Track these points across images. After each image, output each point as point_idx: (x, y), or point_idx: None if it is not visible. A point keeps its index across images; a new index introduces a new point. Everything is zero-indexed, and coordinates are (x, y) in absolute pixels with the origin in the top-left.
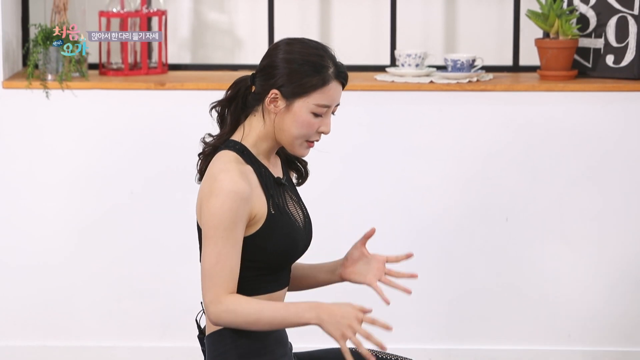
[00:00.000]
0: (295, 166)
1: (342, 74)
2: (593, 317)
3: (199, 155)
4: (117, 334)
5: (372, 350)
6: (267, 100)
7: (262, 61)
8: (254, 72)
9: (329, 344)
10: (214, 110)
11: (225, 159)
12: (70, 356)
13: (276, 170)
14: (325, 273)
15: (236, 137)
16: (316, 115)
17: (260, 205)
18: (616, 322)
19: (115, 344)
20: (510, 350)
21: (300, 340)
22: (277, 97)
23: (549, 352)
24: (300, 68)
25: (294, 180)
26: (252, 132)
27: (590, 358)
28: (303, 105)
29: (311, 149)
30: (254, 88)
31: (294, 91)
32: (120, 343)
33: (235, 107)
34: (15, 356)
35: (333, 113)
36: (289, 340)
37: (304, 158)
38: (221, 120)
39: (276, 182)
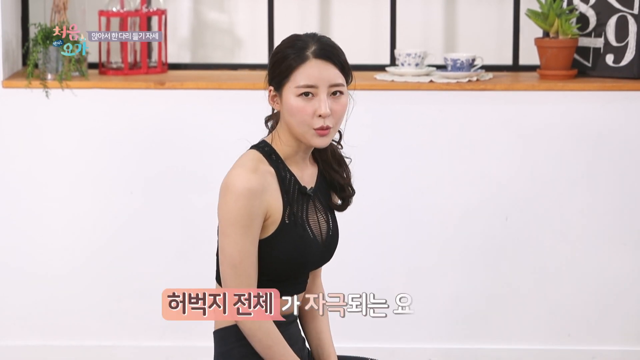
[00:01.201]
0: (340, 193)
1: (322, 50)
2: (593, 317)
3: None
4: (117, 333)
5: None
6: (269, 100)
7: None
8: None
9: (344, 343)
10: (269, 122)
11: (248, 156)
12: (71, 356)
13: (306, 177)
14: (314, 344)
15: (268, 139)
16: (306, 98)
17: (275, 208)
18: (616, 322)
19: (115, 343)
20: (510, 350)
21: None
22: (274, 94)
23: (549, 352)
24: (281, 55)
25: (335, 205)
26: (278, 136)
27: (590, 358)
28: (289, 91)
29: (324, 138)
30: None
31: (278, 79)
32: (120, 343)
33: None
34: (15, 356)
35: (334, 94)
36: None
37: (352, 188)
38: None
39: (301, 191)
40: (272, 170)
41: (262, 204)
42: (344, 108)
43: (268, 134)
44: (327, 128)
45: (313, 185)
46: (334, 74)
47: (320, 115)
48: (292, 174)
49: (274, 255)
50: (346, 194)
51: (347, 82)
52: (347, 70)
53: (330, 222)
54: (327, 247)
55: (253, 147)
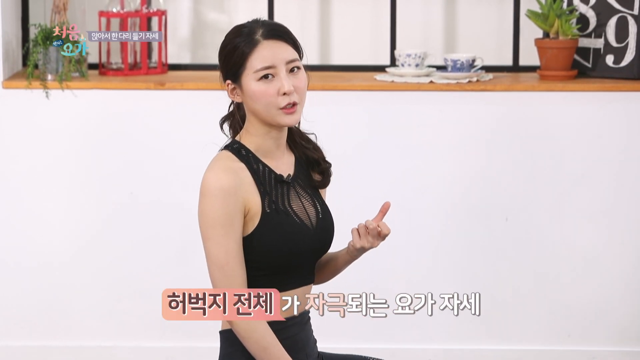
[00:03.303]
0: (317, 168)
1: (271, 31)
2: (593, 317)
3: None
4: (117, 334)
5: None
6: (229, 94)
7: None
8: None
9: (344, 343)
10: (225, 124)
11: (217, 157)
12: (70, 356)
13: (282, 166)
14: (339, 258)
15: (237, 137)
16: (265, 81)
17: (253, 201)
18: (616, 322)
19: (115, 344)
20: (510, 350)
21: (326, 340)
22: (232, 86)
23: (549, 352)
24: (230, 46)
25: (316, 183)
26: (246, 130)
27: (590, 358)
28: (247, 79)
29: (293, 115)
30: None
31: (234, 70)
32: (120, 343)
33: (236, 118)
34: (15, 356)
35: (292, 70)
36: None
37: (327, 160)
38: (231, 131)
39: (277, 179)
40: (242, 165)
41: (238, 201)
42: (304, 83)
43: (235, 134)
44: (294, 105)
45: (292, 172)
46: (288, 51)
47: (285, 94)
48: (266, 165)
49: (263, 247)
50: (323, 167)
51: (300, 58)
52: (298, 45)
53: (318, 205)
54: (320, 231)
55: (223, 147)
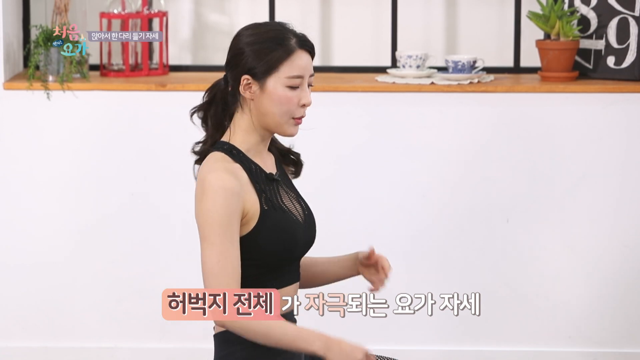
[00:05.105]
0: (290, 159)
1: (306, 42)
2: (593, 318)
3: (195, 163)
4: (117, 334)
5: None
6: (241, 88)
7: (227, 55)
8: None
9: None
10: (195, 115)
11: (213, 159)
12: (71, 357)
13: (268, 166)
14: (339, 268)
15: (225, 137)
16: (292, 88)
17: (251, 202)
18: (616, 324)
19: (115, 344)
20: (510, 351)
21: None
22: (250, 82)
23: (549, 354)
24: (263, 45)
25: (290, 175)
26: (238, 129)
27: (591, 359)
28: (276, 82)
29: (297, 127)
30: (230, 88)
31: (264, 69)
32: (120, 344)
33: (215, 111)
34: (15, 357)
35: (310, 85)
36: None
37: (295, 150)
38: (205, 124)
39: (268, 177)
40: (238, 165)
41: (239, 203)
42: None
43: (210, 131)
44: (302, 117)
45: (275, 171)
46: (311, 65)
47: (304, 105)
48: (257, 164)
49: (263, 245)
50: (294, 155)
51: None
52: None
53: (302, 202)
54: (308, 227)
55: (213, 150)
